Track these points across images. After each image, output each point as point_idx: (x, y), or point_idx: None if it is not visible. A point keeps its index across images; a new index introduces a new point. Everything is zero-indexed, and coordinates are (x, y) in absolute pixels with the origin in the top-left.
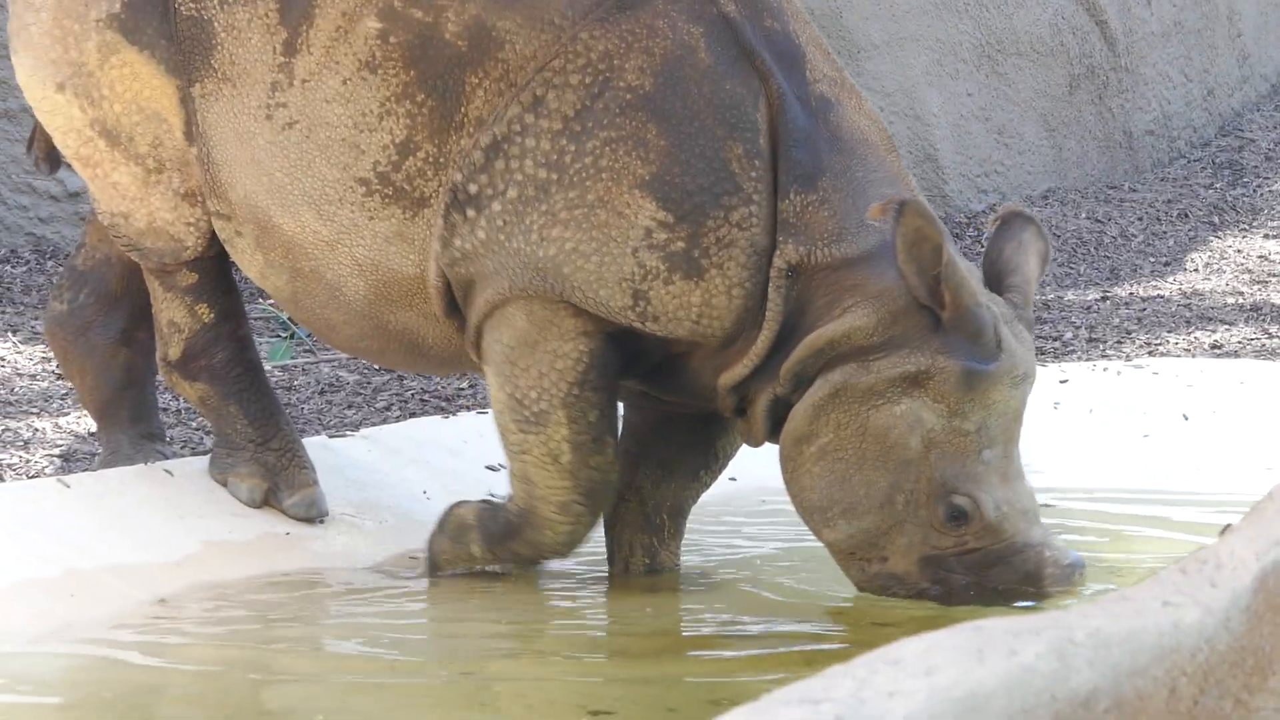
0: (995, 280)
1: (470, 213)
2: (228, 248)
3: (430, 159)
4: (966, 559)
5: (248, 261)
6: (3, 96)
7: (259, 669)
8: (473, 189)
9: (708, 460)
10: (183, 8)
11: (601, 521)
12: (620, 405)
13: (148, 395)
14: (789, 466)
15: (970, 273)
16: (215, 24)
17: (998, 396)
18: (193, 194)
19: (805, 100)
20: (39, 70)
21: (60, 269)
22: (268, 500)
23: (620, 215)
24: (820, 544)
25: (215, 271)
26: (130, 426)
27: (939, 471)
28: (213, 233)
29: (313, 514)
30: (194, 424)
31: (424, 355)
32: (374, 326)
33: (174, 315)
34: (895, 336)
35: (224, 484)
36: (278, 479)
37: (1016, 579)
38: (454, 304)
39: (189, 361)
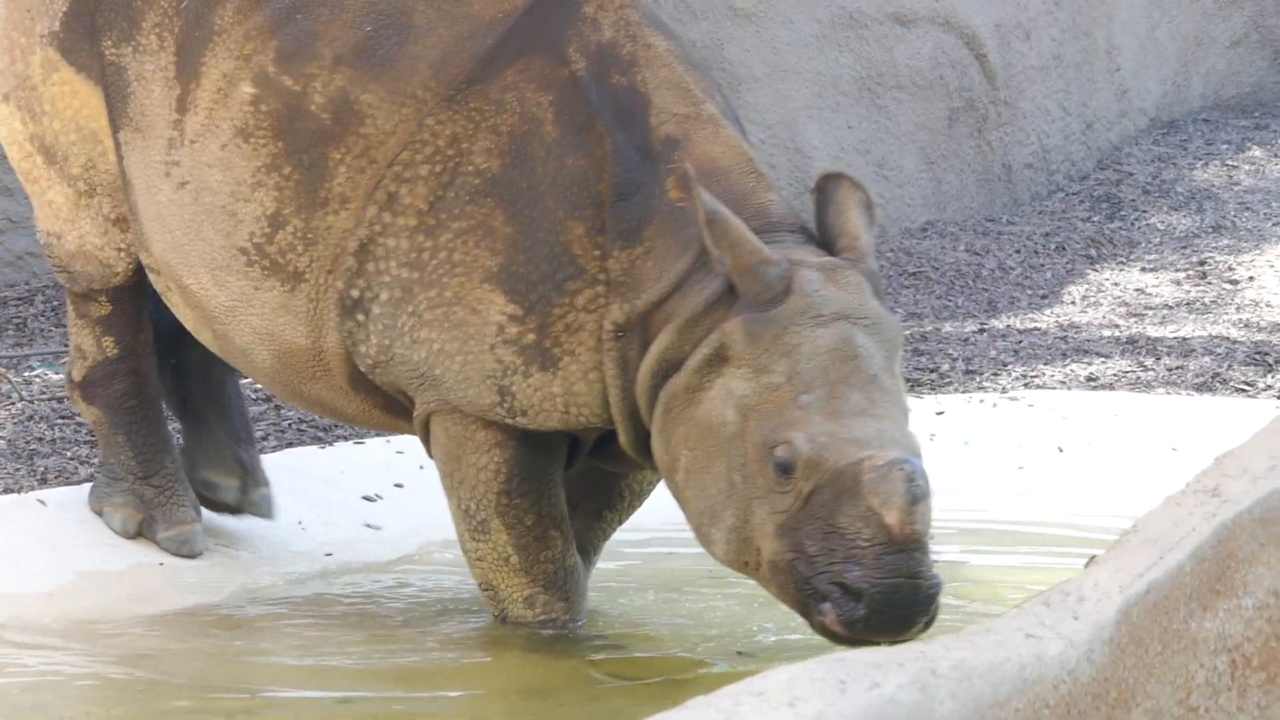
0: (830, 248)
1: (360, 317)
2: (165, 301)
3: (299, 234)
4: (811, 510)
5: (181, 315)
6: None
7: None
8: (354, 294)
9: (611, 500)
10: (106, 52)
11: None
12: None
13: (227, 392)
14: (677, 499)
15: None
16: (129, 72)
17: (798, 339)
18: (123, 219)
19: (646, 149)
20: (5, 80)
21: None
22: (141, 531)
23: (474, 311)
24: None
25: (129, 306)
26: (216, 428)
27: (759, 433)
28: (138, 262)
29: (184, 551)
30: (68, 454)
31: (350, 420)
32: (291, 393)
33: (82, 341)
34: (698, 336)
35: (99, 513)
36: (154, 512)
37: (848, 507)
38: (360, 378)
39: (88, 387)
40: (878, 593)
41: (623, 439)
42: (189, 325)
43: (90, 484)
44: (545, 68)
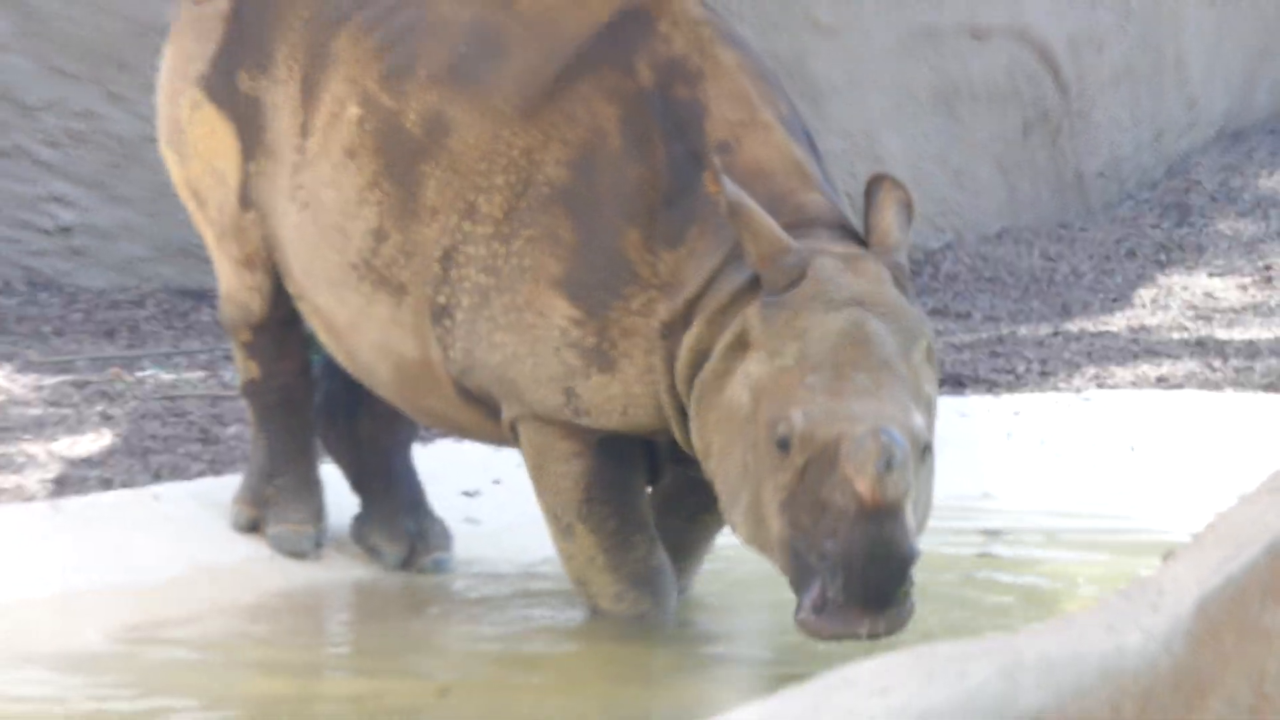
0: (868, 243)
1: (447, 323)
2: (313, 330)
3: (399, 247)
4: (805, 484)
5: (321, 338)
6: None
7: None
8: (441, 300)
9: (707, 504)
10: (242, 86)
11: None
12: None
13: (395, 467)
14: (715, 489)
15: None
16: (263, 102)
17: (809, 322)
18: (250, 260)
19: (697, 154)
20: (160, 127)
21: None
22: (255, 527)
23: (541, 315)
24: None
25: (268, 338)
26: (384, 497)
27: (768, 412)
28: (276, 298)
29: (284, 548)
30: (180, 451)
31: (467, 433)
32: (414, 408)
33: (235, 357)
34: (725, 324)
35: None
36: (268, 511)
37: (829, 477)
38: (469, 395)
39: (245, 392)
40: (851, 561)
41: (678, 436)
42: (327, 346)
43: (196, 481)
44: (615, 81)
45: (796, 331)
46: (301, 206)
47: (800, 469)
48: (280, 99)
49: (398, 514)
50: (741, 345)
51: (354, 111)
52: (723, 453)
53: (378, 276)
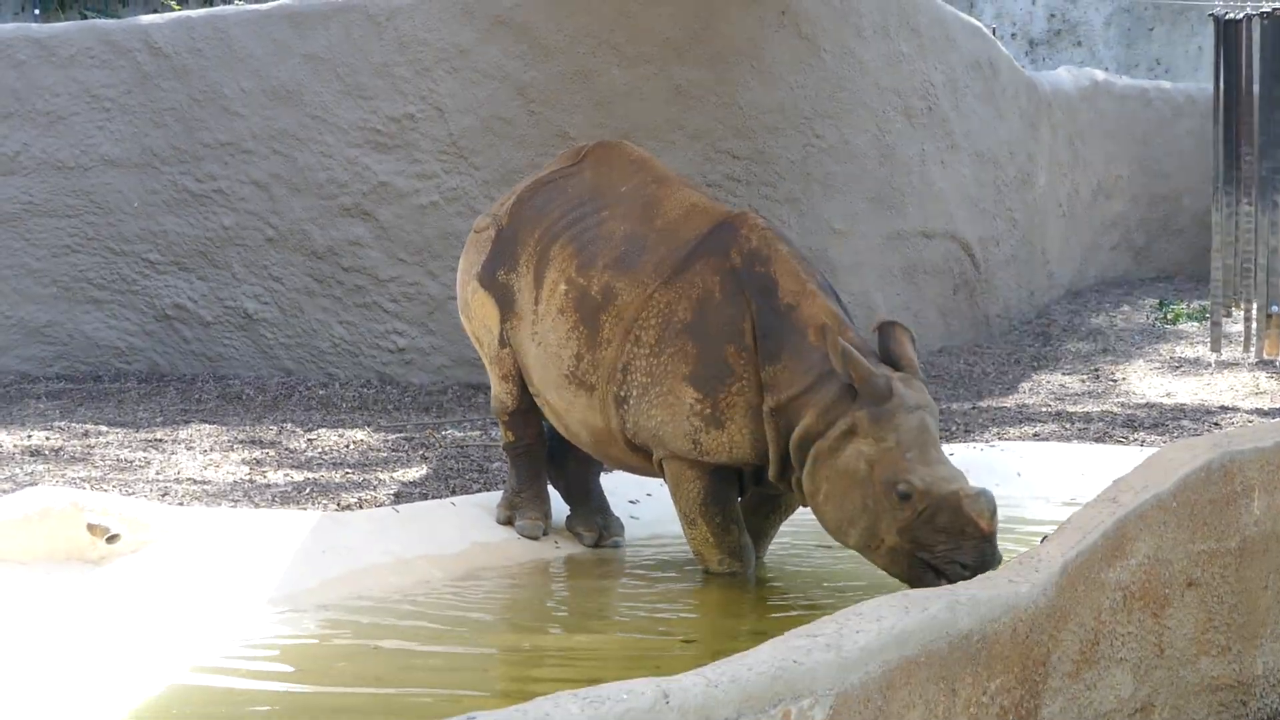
0: (894, 363)
1: (625, 408)
2: (543, 413)
3: (590, 363)
4: (922, 519)
5: (549, 416)
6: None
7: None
8: (621, 393)
9: (775, 509)
10: (499, 278)
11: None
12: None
13: (590, 487)
14: (816, 514)
15: (876, 364)
16: (513, 287)
17: (900, 421)
18: (507, 376)
19: (775, 310)
20: (458, 301)
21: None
22: (509, 521)
23: (678, 399)
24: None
25: (519, 419)
26: (583, 505)
27: (883, 476)
28: (522, 397)
29: (526, 534)
30: (467, 478)
31: (634, 469)
32: (603, 456)
33: (501, 428)
34: (832, 417)
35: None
36: (515, 512)
37: (953, 517)
38: (634, 447)
39: (505, 448)
40: (979, 564)
41: (771, 474)
42: (553, 422)
43: (475, 495)
44: (717, 263)
45: (894, 426)
46: (537, 344)
47: (920, 510)
48: (522, 285)
49: (592, 514)
50: (851, 433)
51: (563, 288)
52: (836, 496)
53: (579, 381)
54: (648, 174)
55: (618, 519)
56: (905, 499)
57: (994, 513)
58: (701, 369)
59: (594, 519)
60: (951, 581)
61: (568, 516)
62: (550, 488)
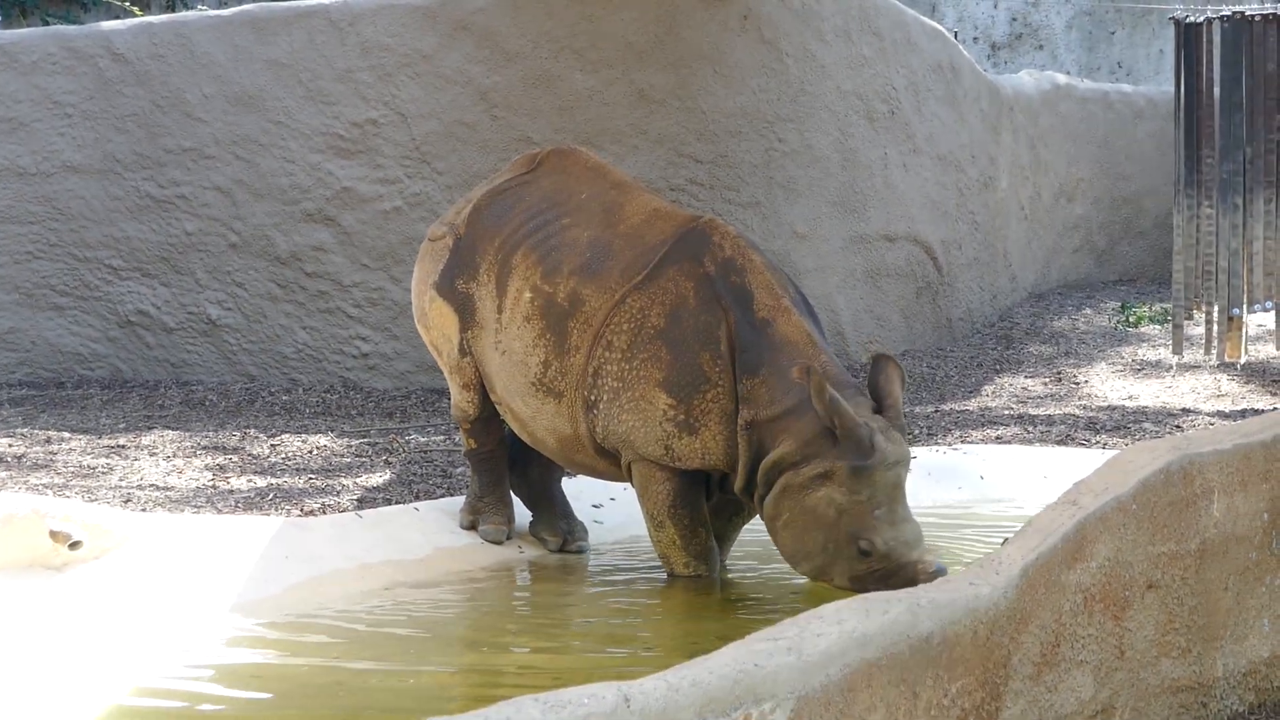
0: (878, 402)
1: (595, 412)
2: (505, 420)
3: (558, 370)
4: (876, 575)
5: (511, 425)
6: None
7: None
8: (591, 397)
9: (738, 513)
10: (459, 287)
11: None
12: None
13: (553, 492)
14: (771, 533)
15: (858, 403)
16: (473, 296)
17: (878, 478)
18: (468, 385)
19: (751, 323)
20: (414, 310)
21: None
22: (473, 526)
23: (651, 404)
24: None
25: (480, 427)
26: (547, 510)
27: (848, 527)
28: (483, 405)
29: (489, 539)
30: (430, 483)
31: (602, 475)
32: (569, 463)
33: (461, 436)
34: (809, 453)
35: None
36: (478, 517)
37: (905, 583)
38: (603, 451)
39: (467, 456)
40: None
41: (736, 486)
42: (516, 429)
43: (439, 500)
44: (690, 269)
45: (871, 482)
46: (501, 353)
47: (875, 569)
48: (483, 294)
49: (555, 519)
50: (826, 477)
51: (528, 295)
52: (794, 527)
53: (546, 388)
54: (605, 180)
55: (581, 524)
56: (865, 555)
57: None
58: (675, 375)
59: (558, 524)
60: None
61: (531, 522)
62: (513, 493)
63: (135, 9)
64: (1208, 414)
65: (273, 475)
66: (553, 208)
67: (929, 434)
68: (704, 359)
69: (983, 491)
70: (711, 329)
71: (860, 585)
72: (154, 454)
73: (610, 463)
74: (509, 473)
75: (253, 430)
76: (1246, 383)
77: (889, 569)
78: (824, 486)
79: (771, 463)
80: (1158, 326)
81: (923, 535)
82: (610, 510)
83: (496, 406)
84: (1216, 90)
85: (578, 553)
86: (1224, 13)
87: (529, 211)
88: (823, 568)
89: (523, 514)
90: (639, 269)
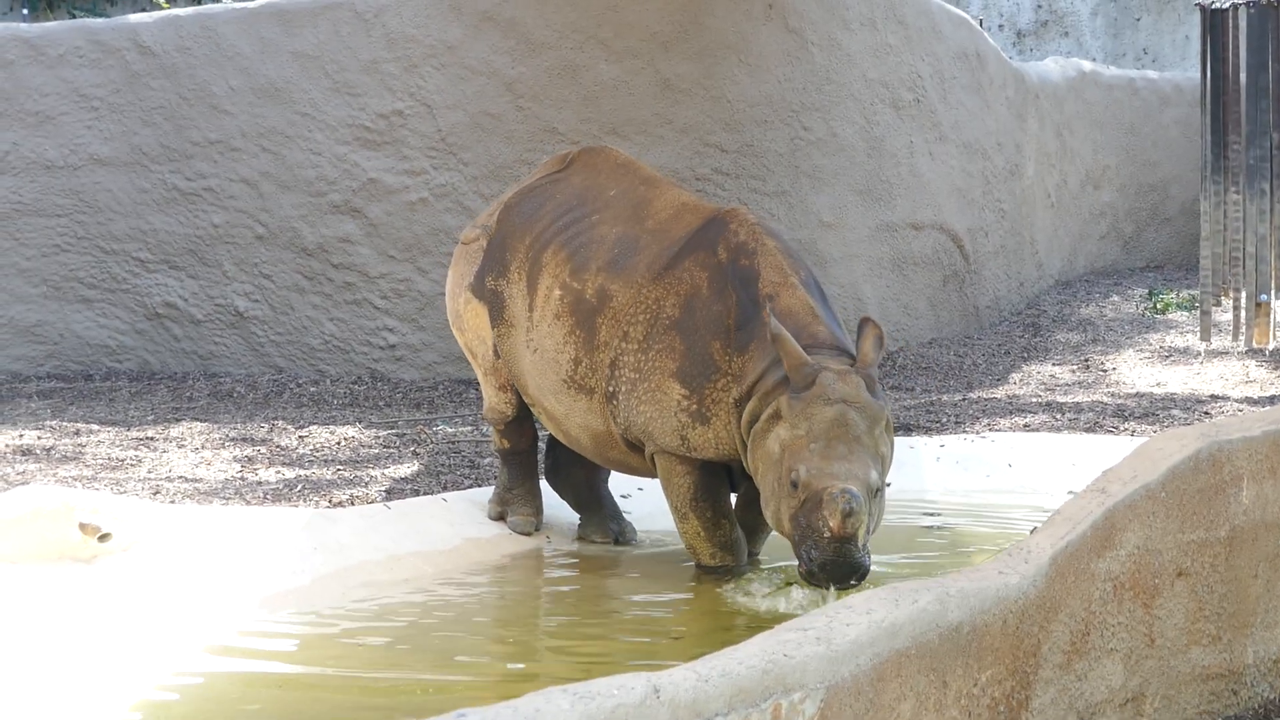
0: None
1: (614, 403)
2: (539, 419)
3: (588, 367)
4: (804, 510)
5: (545, 423)
6: None
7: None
8: (610, 389)
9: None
10: (490, 285)
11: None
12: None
13: (601, 493)
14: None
15: (834, 358)
16: (504, 295)
17: (814, 411)
18: (504, 386)
19: (753, 300)
20: (448, 311)
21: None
22: (501, 517)
23: (666, 394)
24: None
25: (514, 427)
26: (597, 512)
27: (788, 461)
28: (518, 406)
29: (518, 530)
30: (459, 473)
31: (636, 471)
32: (603, 459)
33: (494, 437)
34: (769, 401)
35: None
36: (507, 509)
37: (813, 512)
38: (634, 447)
39: (499, 452)
40: (822, 564)
41: (745, 463)
42: (550, 428)
43: (467, 490)
44: (705, 258)
45: (807, 415)
46: (533, 351)
47: (802, 501)
48: (514, 292)
49: (605, 520)
50: (776, 417)
51: (557, 293)
52: (762, 476)
53: (578, 386)
54: (635, 176)
55: (631, 525)
56: (794, 487)
57: (849, 515)
58: (688, 365)
59: (608, 525)
60: (810, 581)
61: (579, 524)
62: (546, 487)
63: (162, 1)
64: (1236, 400)
65: (301, 466)
66: (582, 205)
67: (956, 422)
68: (714, 347)
69: (1011, 479)
70: (721, 317)
71: (796, 529)
72: (182, 446)
73: (643, 458)
74: (554, 476)
75: (281, 422)
76: (1275, 368)
77: (809, 500)
78: (775, 426)
79: (746, 423)
80: (1185, 313)
81: (863, 480)
82: (638, 500)
83: (530, 408)
84: (1243, 76)
85: (614, 545)
86: None
87: (559, 209)
88: (776, 515)
89: (551, 503)
90: (662, 262)
